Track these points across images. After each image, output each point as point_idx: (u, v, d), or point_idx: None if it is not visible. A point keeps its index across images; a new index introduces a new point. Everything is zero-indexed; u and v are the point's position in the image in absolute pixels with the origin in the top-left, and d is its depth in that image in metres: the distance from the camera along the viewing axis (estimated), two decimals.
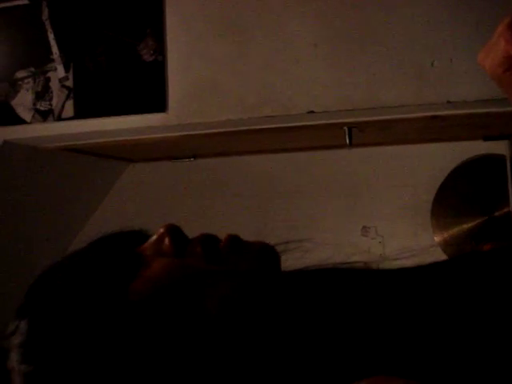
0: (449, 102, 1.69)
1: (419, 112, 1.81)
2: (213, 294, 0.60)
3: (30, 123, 2.11)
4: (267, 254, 0.67)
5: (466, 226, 2.65)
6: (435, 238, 2.67)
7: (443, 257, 0.71)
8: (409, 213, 2.67)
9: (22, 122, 2.11)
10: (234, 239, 0.68)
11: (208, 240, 0.67)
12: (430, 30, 1.72)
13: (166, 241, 0.66)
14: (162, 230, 0.68)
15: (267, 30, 1.87)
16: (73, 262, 0.66)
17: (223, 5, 1.91)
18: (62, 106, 2.07)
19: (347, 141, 2.08)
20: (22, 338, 0.61)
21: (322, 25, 1.82)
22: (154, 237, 0.68)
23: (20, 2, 2.12)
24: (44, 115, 2.09)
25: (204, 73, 1.93)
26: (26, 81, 2.11)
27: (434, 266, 0.69)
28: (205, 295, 0.60)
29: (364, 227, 2.72)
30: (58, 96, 2.07)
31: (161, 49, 1.96)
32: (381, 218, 2.70)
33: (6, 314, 0.65)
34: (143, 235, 0.71)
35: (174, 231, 0.67)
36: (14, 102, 2.12)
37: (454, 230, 2.66)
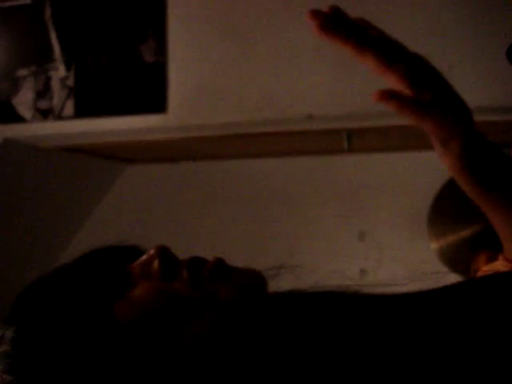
0: None
1: None
2: (194, 324, 0.61)
3: (31, 122, 2.11)
4: (253, 282, 0.67)
5: (462, 234, 2.65)
6: (431, 245, 2.67)
7: (442, 282, 0.70)
8: (406, 219, 2.68)
9: (22, 120, 2.12)
10: (219, 265, 0.67)
11: (195, 265, 0.67)
12: (430, 38, 1.73)
13: (155, 264, 0.66)
14: (152, 252, 0.68)
15: (269, 34, 1.88)
16: (62, 275, 0.67)
17: (225, 8, 1.92)
18: (63, 105, 2.07)
19: (346, 146, 2.09)
20: (6, 348, 0.62)
21: None
22: (144, 257, 0.68)
23: (22, 2, 2.12)
24: (44, 114, 2.10)
25: (204, 75, 1.93)
26: (27, 79, 2.12)
27: (431, 293, 0.68)
28: (186, 325, 0.61)
29: (361, 233, 2.73)
30: (58, 95, 2.08)
31: (162, 50, 1.97)
32: (378, 224, 2.70)
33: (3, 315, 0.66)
34: (136, 251, 0.71)
35: (163, 255, 0.67)
36: (15, 101, 2.12)
37: (451, 238, 2.66)
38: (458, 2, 1.72)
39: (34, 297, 0.65)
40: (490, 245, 2.56)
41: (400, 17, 1.76)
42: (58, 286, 0.65)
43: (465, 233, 2.66)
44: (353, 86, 1.80)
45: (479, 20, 1.68)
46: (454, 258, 2.57)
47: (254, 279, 0.67)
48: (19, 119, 2.12)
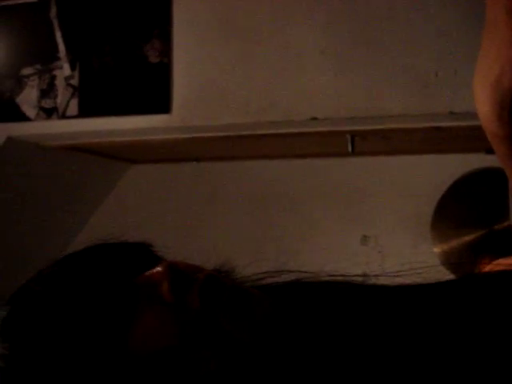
0: (452, 112, 1.70)
1: (422, 122, 1.82)
2: (203, 363, 0.59)
3: (35, 120, 2.11)
4: (262, 316, 0.62)
5: (466, 238, 2.64)
6: (435, 250, 2.66)
7: (442, 276, 0.70)
8: (409, 223, 2.67)
9: (26, 118, 2.12)
10: (237, 298, 0.61)
11: (208, 293, 0.61)
12: (435, 40, 1.72)
13: (165, 287, 0.60)
14: (160, 271, 0.61)
15: (274, 36, 1.88)
16: (70, 275, 0.62)
17: (231, 9, 1.92)
18: (67, 105, 2.07)
19: (350, 148, 2.09)
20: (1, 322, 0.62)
21: (328, 32, 1.83)
22: (153, 274, 0.62)
23: (28, 0, 2.13)
24: (48, 113, 2.10)
25: (209, 76, 1.93)
26: (31, 78, 2.12)
27: (433, 286, 0.67)
28: (195, 362, 0.58)
29: (364, 236, 2.72)
30: (62, 94, 2.08)
31: (167, 51, 1.97)
32: (381, 228, 2.69)
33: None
34: (143, 247, 0.67)
35: (173, 275, 0.61)
36: (19, 99, 2.13)
37: (454, 242, 2.66)
38: (463, 4, 1.72)
39: (34, 296, 0.62)
40: (493, 249, 2.55)
41: (406, 18, 1.76)
42: (62, 300, 0.60)
43: (468, 237, 2.65)
44: (357, 89, 1.80)
45: (484, 21, 1.67)
46: (457, 263, 2.56)
47: (262, 311, 0.62)
48: (23, 118, 2.12)
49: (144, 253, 0.66)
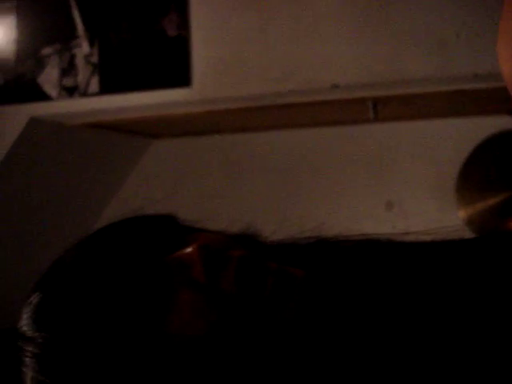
0: (475, 74, 1.68)
1: (444, 85, 1.80)
2: (241, 347, 0.57)
3: (56, 99, 2.13)
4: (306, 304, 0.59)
5: (490, 201, 2.63)
6: (460, 213, 2.65)
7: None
8: (433, 188, 2.66)
9: (48, 98, 2.14)
10: (282, 282, 0.58)
11: (245, 274, 0.58)
12: (436, 3, 1.70)
13: (198, 267, 0.58)
14: (192, 252, 0.58)
15: (291, 3, 1.86)
16: (104, 253, 0.60)
17: None
18: (88, 82, 2.08)
19: (371, 115, 2.07)
20: (33, 308, 0.60)
21: None
22: (185, 256, 0.59)
23: None
24: (70, 91, 2.11)
25: (228, 47, 1.93)
26: (51, 58, 2.13)
27: (462, 242, 0.67)
28: (232, 348, 0.57)
29: (388, 202, 2.71)
30: (83, 72, 2.09)
31: (185, 23, 1.97)
32: (405, 193, 2.69)
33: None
34: (172, 220, 0.65)
35: (206, 256, 0.58)
36: (41, 79, 2.14)
37: (479, 205, 2.64)
38: None
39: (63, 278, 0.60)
40: None
41: None
42: (95, 281, 0.58)
43: (493, 200, 2.63)
44: (377, 54, 1.78)
45: None
46: (483, 226, 2.55)
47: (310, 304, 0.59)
48: (45, 97, 2.14)
49: (172, 224, 0.64)
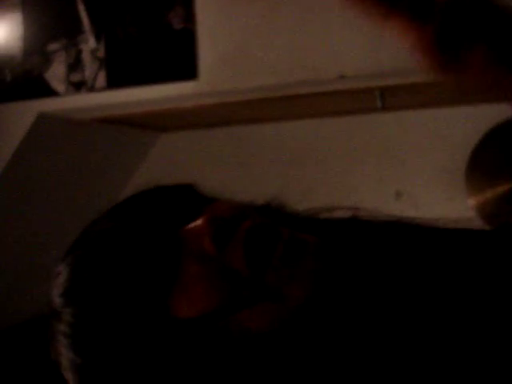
0: None
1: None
2: (250, 319, 0.56)
3: (64, 95, 2.13)
4: (326, 276, 0.58)
5: (500, 189, 2.62)
6: (469, 202, 2.65)
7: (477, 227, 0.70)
8: (442, 176, 2.65)
9: (55, 94, 2.14)
10: (293, 249, 0.57)
11: (253, 246, 0.57)
12: None
13: (207, 240, 0.58)
14: (201, 224, 0.58)
15: None
16: (116, 231, 0.62)
17: None
18: (95, 77, 2.09)
19: (379, 104, 2.07)
20: (65, 284, 0.60)
21: None
22: (195, 228, 0.58)
23: None
24: (77, 87, 2.12)
25: (234, 39, 1.92)
26: (58, 53, 2.13)
27: (476, 232, 0.67)
28: (241, 318, 0.56)
29: (397, 191, 2.71)
30: (90, 67, 2.09)
31: (190, 16, 1.96)
32: (414, 182, 2.68)
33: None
34: (191, 190, 0.65)
35: (216, 228, 0.58)
36: (48, 75, 2.14)
37: (489, 193, 2.63)
38: None
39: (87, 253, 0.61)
40: None
41: None
42: (107, 262, 0.59)
43: (503, 188, 2.62)
44: (384, 43, 1.78)
45: None
46: (493, 214, 2.54)
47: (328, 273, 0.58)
48: (53, 93, 2.14)
49: (192, 194, 0.64)
